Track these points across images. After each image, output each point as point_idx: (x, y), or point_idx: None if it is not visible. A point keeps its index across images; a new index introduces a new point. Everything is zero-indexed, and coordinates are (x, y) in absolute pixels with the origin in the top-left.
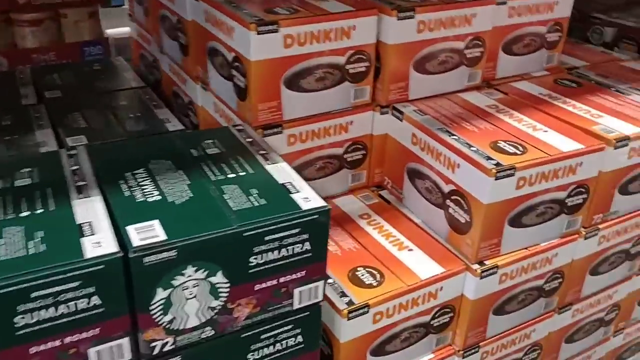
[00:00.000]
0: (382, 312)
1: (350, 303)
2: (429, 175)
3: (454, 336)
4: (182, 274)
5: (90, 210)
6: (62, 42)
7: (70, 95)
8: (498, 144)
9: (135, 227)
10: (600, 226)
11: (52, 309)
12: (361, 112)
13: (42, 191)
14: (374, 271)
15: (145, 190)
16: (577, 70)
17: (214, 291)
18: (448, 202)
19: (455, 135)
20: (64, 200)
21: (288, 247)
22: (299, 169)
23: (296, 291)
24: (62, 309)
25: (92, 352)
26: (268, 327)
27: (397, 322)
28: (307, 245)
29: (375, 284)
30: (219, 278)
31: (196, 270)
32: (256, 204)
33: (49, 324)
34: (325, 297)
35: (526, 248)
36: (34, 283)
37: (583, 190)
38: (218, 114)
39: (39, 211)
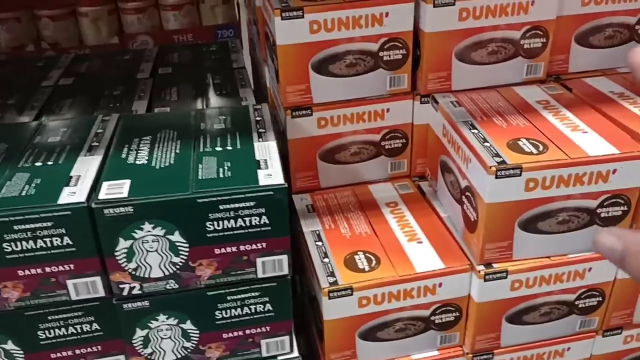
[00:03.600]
0: (368, 297)
1: (334, 283)
2: (453, 169)
3: (463, 338)
4: (141, 229)
5: (84, 165)
6: (199, 25)
7: (177, 72)
8: (518, 142)
9: (109, 184)
10: None
11: (31, 243)
12: (398, 100)
13: None
14: (372, 257)
15: (139, 154)
16: None
17: (174, 248)
18: (463, 198)
19: (476, 129)
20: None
21: (244, 218)
22: (331, 153)
23: (259, 261)
24: (40, 243)
25: (69, 283)
26: (234, 290)
27: (388, 311)
28: (265, 219)
29: (367, 269)
30: (176, 237)
31: (154, 227)
32: (222, 175)
33: (30, 254)
34: (315, 274)
35: (548, 257)
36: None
37: (621, 201)
38: (271, 95)
39: None
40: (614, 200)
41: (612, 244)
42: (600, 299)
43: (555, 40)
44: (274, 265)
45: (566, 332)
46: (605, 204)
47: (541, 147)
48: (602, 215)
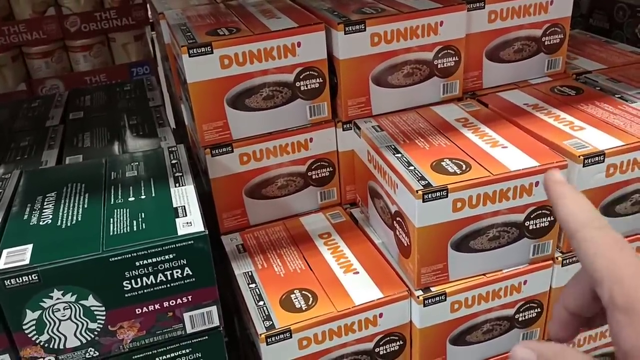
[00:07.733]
0: (308, 337)
1: (271, 327)
2: (381, 194)
3: None
4: (50, 297)
5: None
6: (112, 64)
7: (89, 116)
8: (441, 163)
9: (8, 251)
10: None
11: None
12: (321, 129)
13: None
14: (308, 294)
15: (43, 214)
16: (587, 75)
17: (89, 314)
18: (395, 223)
19: (400, 153)
20: None
21: (165, 272)
22: (257, 188)
23: (186, 315)
24: None
25: None
26: (162, 350)
27: (331, 348)
28: (188, 271)
29: (305, 308)
30: (91, 301)
31: (63, 294)
32: (136, 228)
33: None
34: (250, 319)
35: (484, 274)
36: None
37: (547, 212)
38: (190, 133)
39: None
40: (540, 212)
41: (527, 356)
42: (539, 310)
43: (467, 58)
44: (203, 318)
45: (510, 346)
46: (532, 216)
47: (464, 166)
48: (531, 227)
